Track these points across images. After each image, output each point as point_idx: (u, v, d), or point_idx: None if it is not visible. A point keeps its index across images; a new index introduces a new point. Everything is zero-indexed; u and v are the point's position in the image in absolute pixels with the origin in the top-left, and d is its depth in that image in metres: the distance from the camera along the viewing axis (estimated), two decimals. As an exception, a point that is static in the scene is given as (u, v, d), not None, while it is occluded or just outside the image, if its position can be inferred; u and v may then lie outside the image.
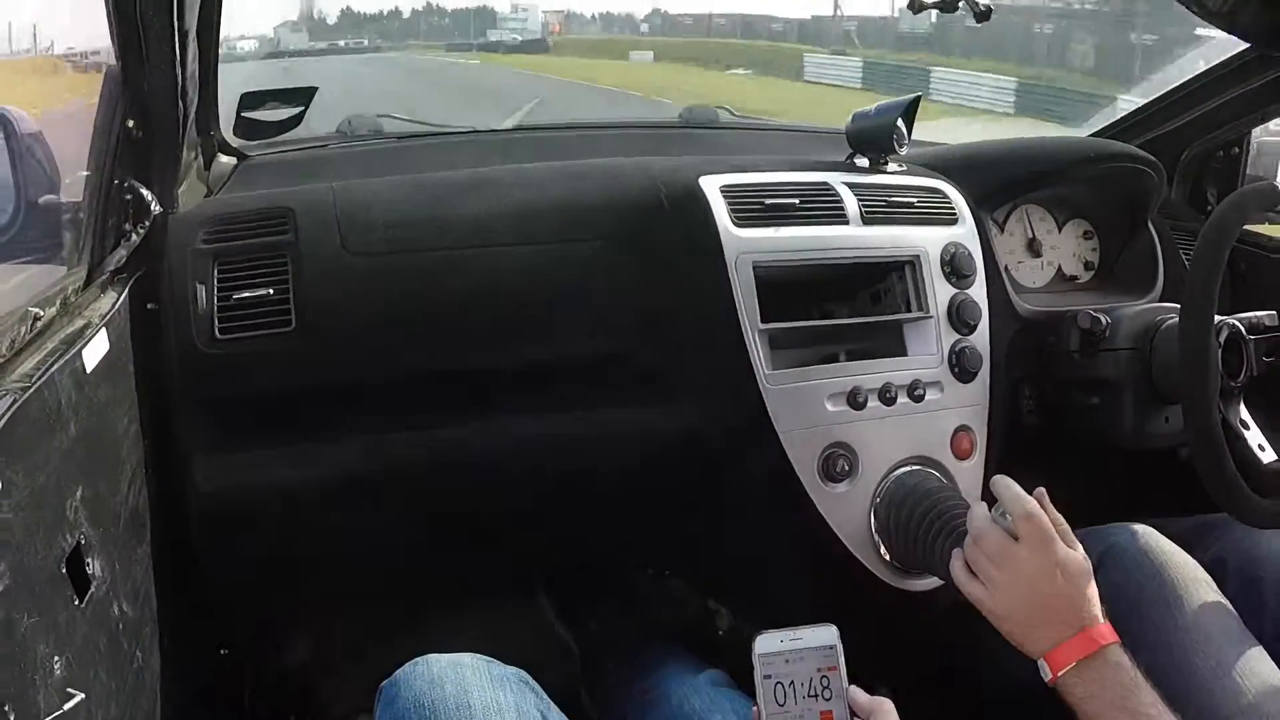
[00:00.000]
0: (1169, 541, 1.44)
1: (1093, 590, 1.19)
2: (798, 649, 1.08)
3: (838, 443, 1.51)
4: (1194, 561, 1.42)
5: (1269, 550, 1.52)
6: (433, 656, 1.20)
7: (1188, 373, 1.44)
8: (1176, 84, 2.12)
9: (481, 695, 1.15)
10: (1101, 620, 1.17)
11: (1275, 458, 1.51)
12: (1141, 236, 1.95)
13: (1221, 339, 1.51)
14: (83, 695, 1.05)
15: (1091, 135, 2.21)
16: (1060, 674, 1.15)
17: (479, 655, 1.22)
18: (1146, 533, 1.45)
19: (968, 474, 1.59)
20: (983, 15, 1.59)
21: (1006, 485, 1.25)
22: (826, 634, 1.09)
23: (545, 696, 1.24)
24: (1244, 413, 1.54)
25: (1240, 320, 1.57)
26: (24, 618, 0.95)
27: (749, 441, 1.52)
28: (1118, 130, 2.19)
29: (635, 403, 1.57)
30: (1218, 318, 1.50)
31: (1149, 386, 1.65)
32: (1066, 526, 1.24)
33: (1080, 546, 1.23)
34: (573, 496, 1.63)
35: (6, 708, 0.89)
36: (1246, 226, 2.02)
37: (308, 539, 1.59)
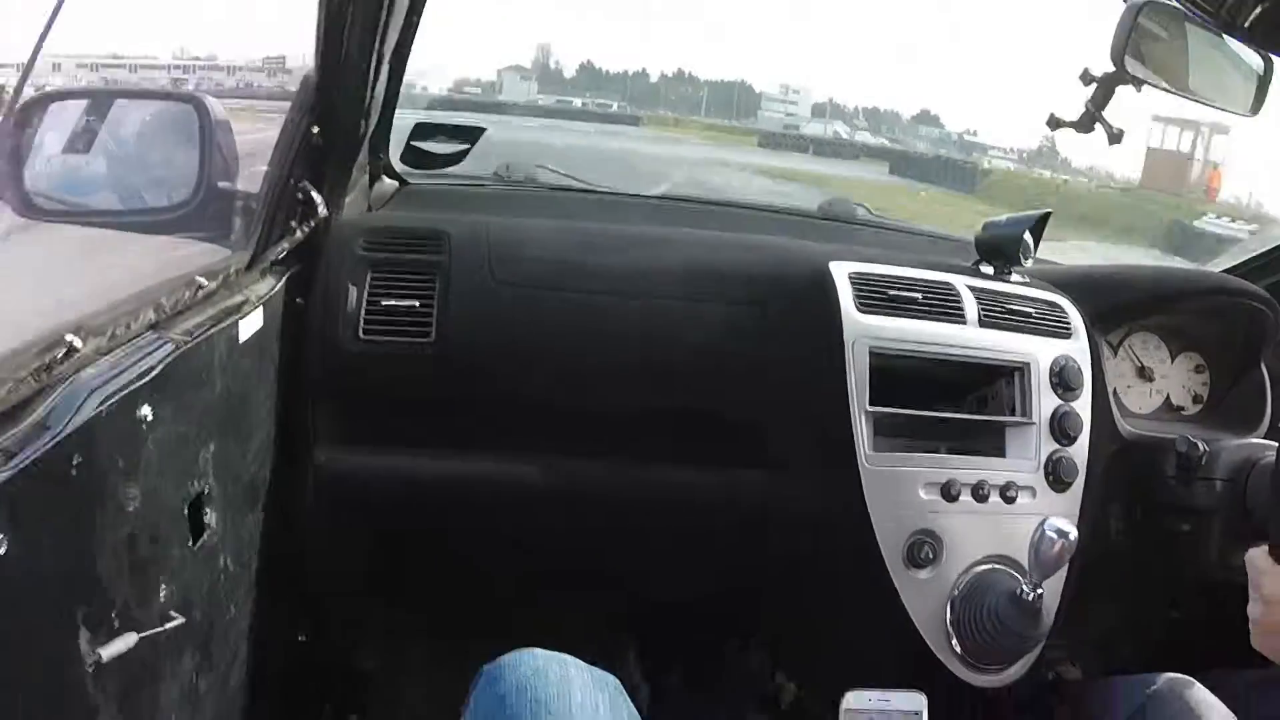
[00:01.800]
0: (1212, 696, 1.44)
1: None
2: (885, 710, 1.12)
3: (926, 530, 1.57)
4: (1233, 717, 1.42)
5: None
6: (537, 650, 1.23)
7: (1278, 508, 1.47)
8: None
9: (583, 692, 1.18)
10: None
11: None
12: (1253, 375, 1.96)
13: None
14: (183, 619, 1.15)
15: (1219, 271, 2.24)
16: None
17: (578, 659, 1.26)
18: (1189, 685, 1.44)
19: (1047, 582, 1.62)
20: (1115, 138, 1.64)
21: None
22: (915, 701, 1.13)
23: (635, 710, 1.26)
24: None
25: None
26: (145, 539, 1.06)
27: (842, 516, 1.58)
28: (1245, 269, 2.22)
29: (744, 464, 1.66)
30: None
31: (1241, 520, 1.66)
32: None
33: None
34: (671, 545, 1.72)
35: (114, 613, 1.00)
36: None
37: (411, 542, 1.71)
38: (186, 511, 1.20)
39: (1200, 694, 1.44)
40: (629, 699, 1.26)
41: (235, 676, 1.49)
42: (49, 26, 1.04)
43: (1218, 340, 1.99)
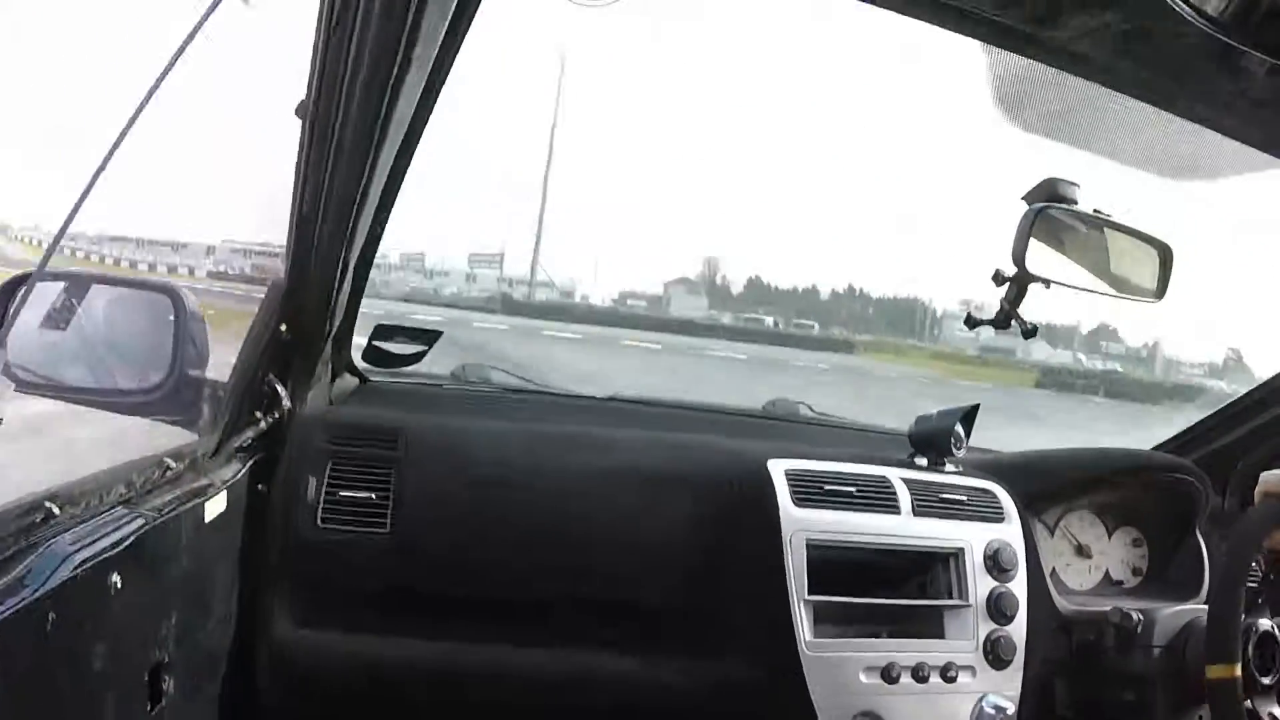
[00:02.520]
0: None
1: None
2: None
3: (868, 712, 1.64)
4: None
5: None
6: None
7: (1212, 671, 1.51)
8: (1230, 401, 2.26)
9: None
10: None
11: None
12: (1189, 544, 2.04)
13: (1255, 636, 1.58)
14: None
15: (1153, 449, 2.35)
16: None
17: None
18: None
19: None
20: (1029, 334, 1.73)
21: None
22: None
23: None
24: (1276, 707, 1.59)
25: (1276, 622, 1.64)
26: (109, 699, 1.13)
27: (784, 702, 1.65)
28: (1178, 444, 2.33)
29: (687, 654, 1.73)
30: (1251, 617, 1.59)
31: (1183, 685, 1.71)
32: None
33: None
34: None
35: None
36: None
37: (360, 713, 1.77)
38: (147, 678, 1.25)
39: None
40: None
41: None
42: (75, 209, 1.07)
43: (1153, 514, 2.08)
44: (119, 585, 1.11)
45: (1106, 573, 2.07)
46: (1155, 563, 2.10)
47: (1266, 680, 1.60)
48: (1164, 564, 2.08)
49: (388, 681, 1.74)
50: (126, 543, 1.14)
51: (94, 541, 1.09)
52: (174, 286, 1.72)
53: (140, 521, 1.19)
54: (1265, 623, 1.63)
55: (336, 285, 1.69)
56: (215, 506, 1.47)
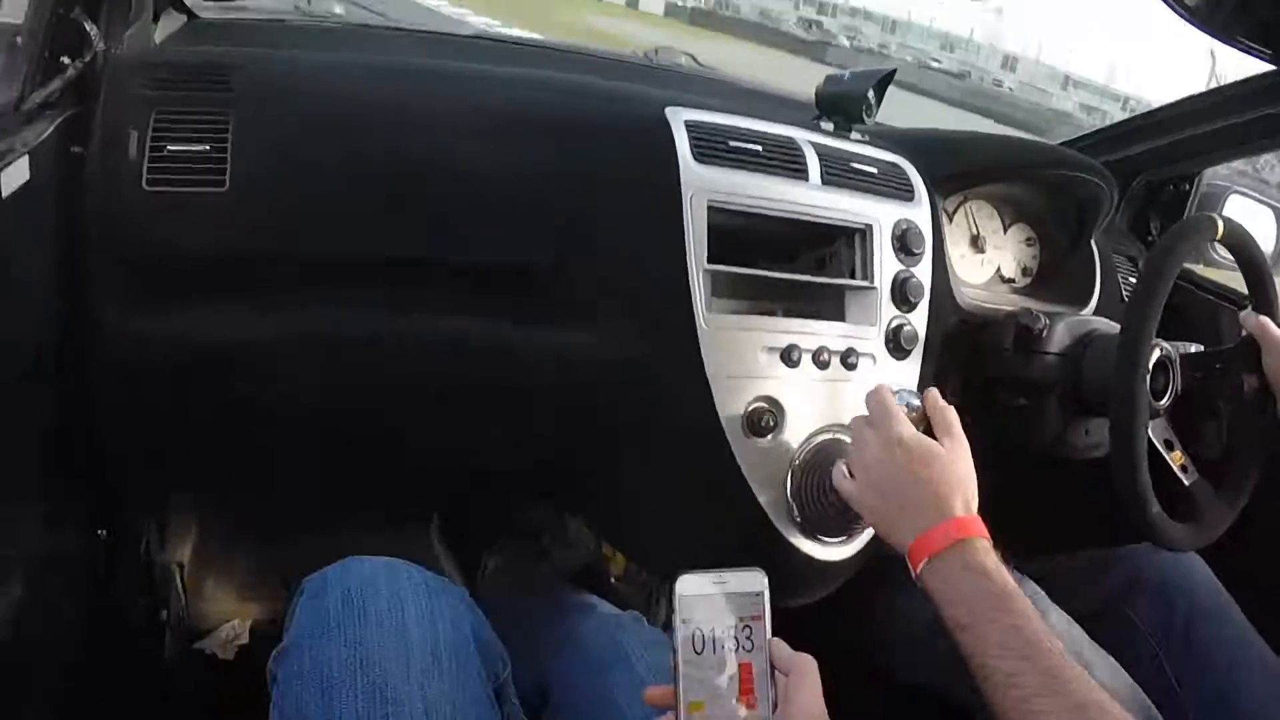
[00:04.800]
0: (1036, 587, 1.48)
1: (960, 481, 1.19)
2: (722, 593, 1.02)
3: (766, 397, 1.48)
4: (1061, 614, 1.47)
5: (1182, 569, 1.59)
6: (366, 558, 1.13)
7: (1118, 392, 1.46)
8: (1142, 111, 2.15)
9: (417, 602, 1.08)
10: (971, 513, 1.16)
11: (1196, 478, 1.55)
12: (1082, 251, 1.96)
13: (1151, 360, 1.52)
14: None
15: (1058, 144, 2.23)
16: (921, 568, 1.12)
17: (416, 564, 1.16)
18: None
19: None
20: None
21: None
22: (754, 580, 1.03)
23: (484, 618, 1.18)
24: (1169, 432, 1.57)
25: (1169, 344, 1.59)
26: None
27: (676, 379, 1.47)
28: (1082, 145, 2.21)
29: (570, 323, 1.52)
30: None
31: (1076, 396, 1.66)
32: (948, 417, 1.27)
33: (953, 440, 1.25)
34: (485, 407, 1.59)
35: None
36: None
37: (209, 405, 1.53)
38: None
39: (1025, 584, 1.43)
40: (473, 607, 1.17)
41: (29, 593, 1.35)
42: None
43: (1051, 213, 1.97)
44: None
45: (998, 269, 1.96)
46: (1046, 265, 2.00)
47: (1160, 403, 1.55)
48: (1055, 267, 1.99)
49: (243, 362, 1.49)
50: None
51: None
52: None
53: None
54: (1164, 345, 1.57)
55: None
56: (16, 176, 1.20)
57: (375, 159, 1.47)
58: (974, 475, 1.22)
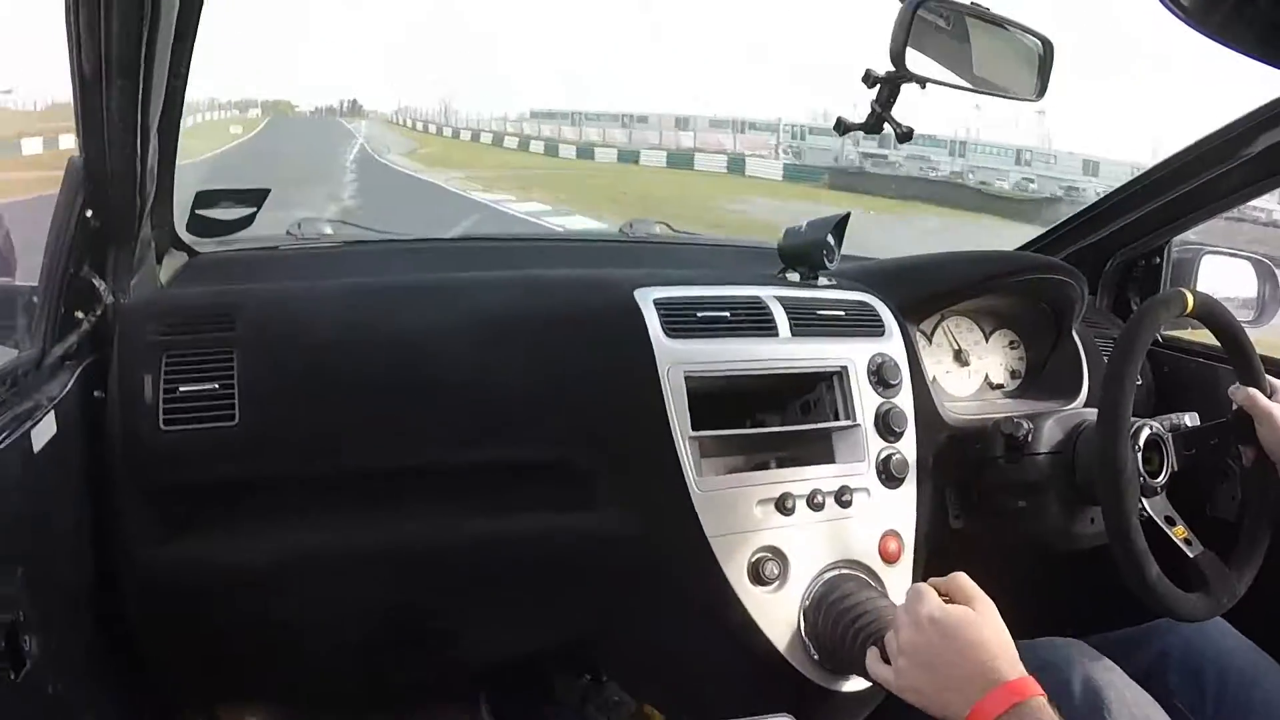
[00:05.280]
0: (1097, 653, 1.48)
1: (999, 641, 1.19)
2: None
3: (767, 547, 1.55)
4: (1121, 672, 1.45)
5: (1207, 638, 1.58)
6: None
7: (1103, 474, 1.50)
8: (1099, 198, 2.23)
9: None
10: (1021, 673, 1.14)
11: (1202, 550, 1.56)
12: (1066, 344, 2.02)
13: (1141, 440, 1.58)
14: None
15: (1019, 249, 2.31)
16: None
17: None
18: (1076, 646, 1.49)
19: (897, 577, 1.63)
20: (904, 136, 1.64)
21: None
22: None
23: None
24: (1169, 509, 1.60)
25: (1161, 421, 1.64)
26: None
27: (680, 545, 1.56)
28: (1044, 244, 2.30)
29: (569, 507, 1.61)
30: (1139, 420, 1.58)
31: (1072, 489, 1.70)
32: (960, 583, 1.26)
33: (979, 600, 1.24)
34: (508, 595, 1.68)
35: None
36: (1168, 332, 2.12)
37: (243, 623, 1.62)
38: (4, 644, 1.12)
39: (1087, 651, 1.48)
40: None
41: None
42: None
43: (1028, 315, 2.05)
44: None
45: (986, 377, 2.03)
46: (1033, 365, 2.07)
47: (1156, 481, 1.59)
48: (1041, 366, 2.05)
49: (267, 580, 1.58)
50: None
51: None
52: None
53: None
54: (1153, 424, 1.62)
55: (140, 155, 1.47)
56: (44, 431, 1.29)
57: (373, 378, 1.59)
58: (1006, 630, 1.22)
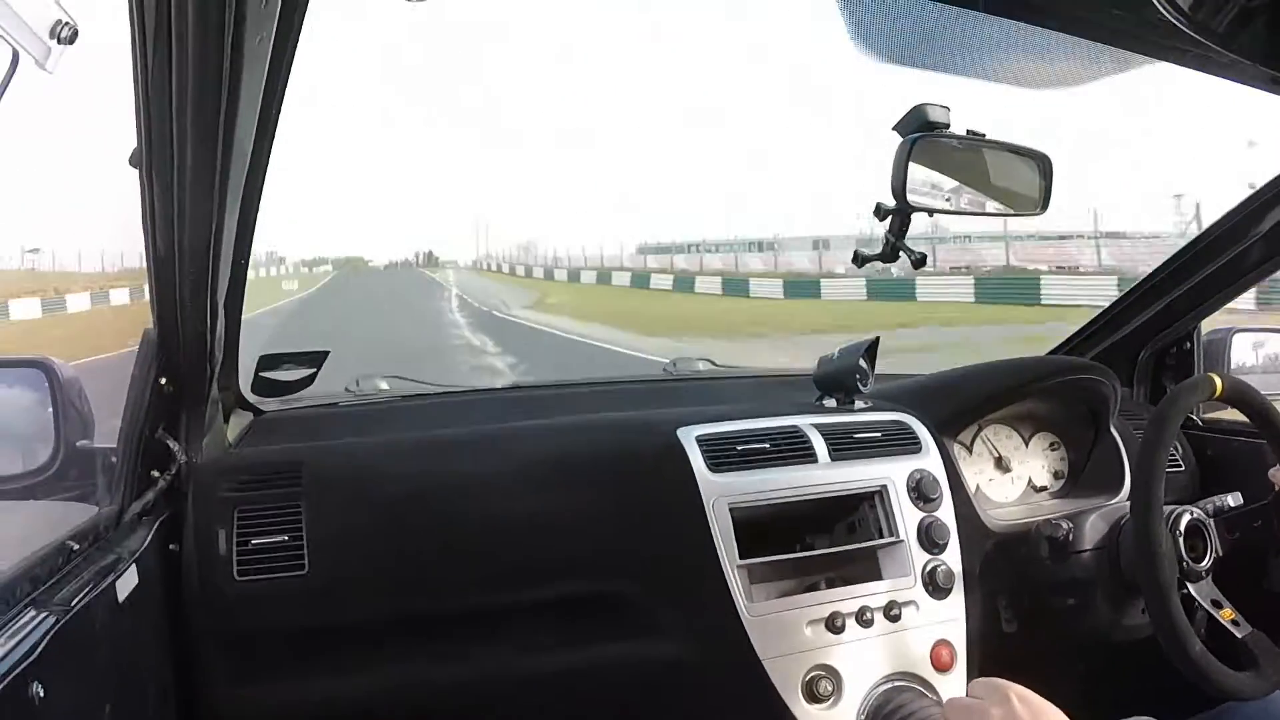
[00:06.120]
0: None
1: None
2: None
3: (820, 665, 1.63)
4: None
5: (1264, 707, 1.61)
6: None
7: (1140, 554, 1.57)
8: (1123, 294, 2.30)
9: None
10: None
11: (1249, 630, 1.61)
12: (1105, 441, 2.07)
13: (1183, 526, 1.64)
14: None
15: (1049, 353, 2.39)
16: None
17: None
18: None
19: (951, 685, 1.70)
20: (919, 262, 1.73)
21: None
22: None
23: None
24: (1215, 592, 1.65)
25: (1203, 506, 1.70)
26: None
27: (734, 669, 1.64)
28: (1074, 345, 2.37)
29: (628, 637, 1.71)
30: (1179, 507, 1.65)
31: (1119, 581, 1.75)
32: (1000, 688, 1.20)
33: (1023, 699, 1.17)
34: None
35: None
36: (1209, 415, 2.17)
37: None
38: None
39: None
40: None
41: None
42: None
43: (1065, 416, 2.11)
44: (42, 694, 1.05)
45: (1029, 481, 2.09)
46: (1075, 464, 2.12)
47: (1200, 566, 1.65)
48: (1084, 464, 2.11)
49: (337, 717, 1.70)
50: (42, 646, 1.07)
51: (6, 655, 1.02)
52: (43, 359, 1.66)
53: (52, 620, 1.13)
54: (1194, 510, 1.69)
55: (209, 325, 1.62)
56: (128, 582, 1.40)
57: (435, 526, 1.71)
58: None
